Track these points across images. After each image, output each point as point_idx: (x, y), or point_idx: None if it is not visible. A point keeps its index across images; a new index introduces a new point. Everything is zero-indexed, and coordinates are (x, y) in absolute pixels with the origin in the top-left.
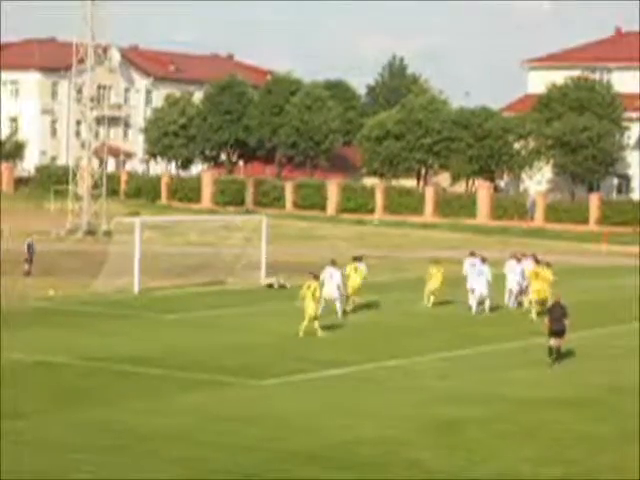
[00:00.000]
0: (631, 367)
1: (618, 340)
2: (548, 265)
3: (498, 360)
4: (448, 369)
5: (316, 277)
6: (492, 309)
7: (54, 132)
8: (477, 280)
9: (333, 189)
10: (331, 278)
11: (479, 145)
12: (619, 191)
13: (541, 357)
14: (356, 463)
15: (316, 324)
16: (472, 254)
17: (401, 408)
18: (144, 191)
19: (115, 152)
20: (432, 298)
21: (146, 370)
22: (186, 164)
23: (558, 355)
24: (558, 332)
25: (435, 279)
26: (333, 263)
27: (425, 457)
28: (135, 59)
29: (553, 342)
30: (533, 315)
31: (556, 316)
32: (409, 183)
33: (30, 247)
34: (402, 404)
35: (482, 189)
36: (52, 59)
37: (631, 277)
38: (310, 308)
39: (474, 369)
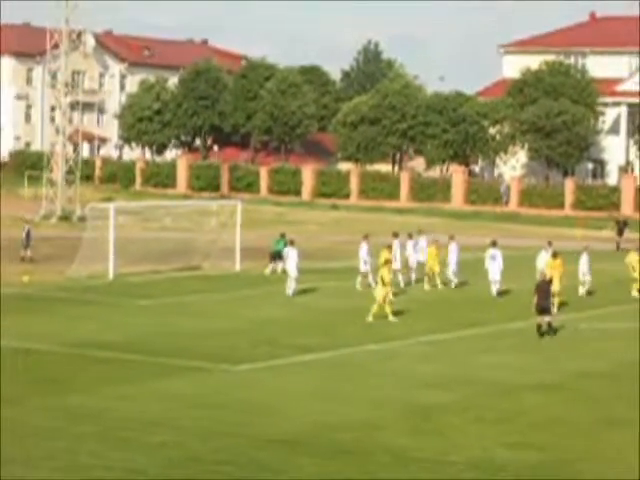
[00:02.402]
0: (609, 351)
1: (597, 324)
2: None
3: (480, 344)
4: (429, 353)
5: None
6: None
7: (28, 118)
8: (490, 265)
9: (308, 174)
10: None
11: (454, 130)
12: (594, 176)
13: (521, 341)
14: (332, 448)
15: (387, 308)
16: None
17: (379, 392)
18: (119, 177)
19: (89, 137)
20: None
21: (121, 356)
22: (161, 149)
23: (550, 329)
24: (545, 309)
25: (435, 259)
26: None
27: (402, 442)
28: (109, 44)
29: (540, 319)
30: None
31: (543, 294)
32: (384, 168)
33: (28, 234)
34: (381, 388)
35: (457, 174)
36: (26, 44)
37: (606, 262)
38: (379, 293)
39: (455, 353)
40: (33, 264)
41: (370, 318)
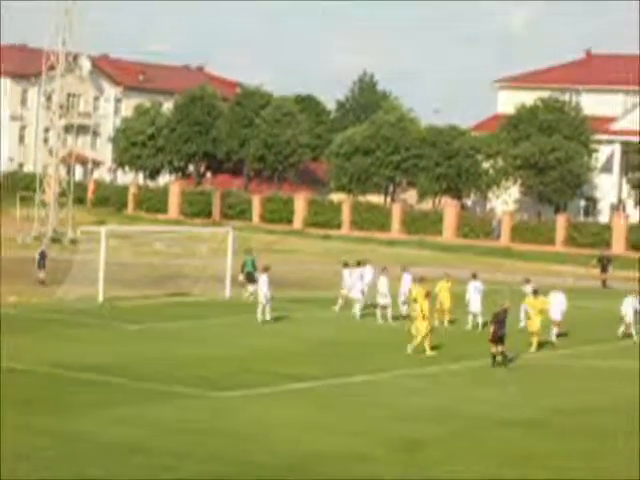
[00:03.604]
0: (593, 388)
1: (581, 361)
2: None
3: (466, 378)
4: (414, 386)
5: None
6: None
7: (22, 139)
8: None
9: (300, 203)
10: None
11: (447, 163)
12: (586, 213)
13: (503, 376)
14: (312, 478)
15: (426, 342)
16: (405, 269)
17: (366, 424)
18: (111, 200)
19: (83, 160)
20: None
21: (108, 379)
22: (154, 174)
23: (505, 359)
24: (501, 338)
25: (446, 295)
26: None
27: (388, 474)
28: (105, 68)
29: (495, 349)
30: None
31: (500, 323)
32: (376, 199)
33: (43, 254)
34: (367, 420)
35: (449, 207)
36: (22, 65)
37: (595, 299)
38: (420, 326)
39: (442, 386)
40: (44, 286)
41: (409, 350)
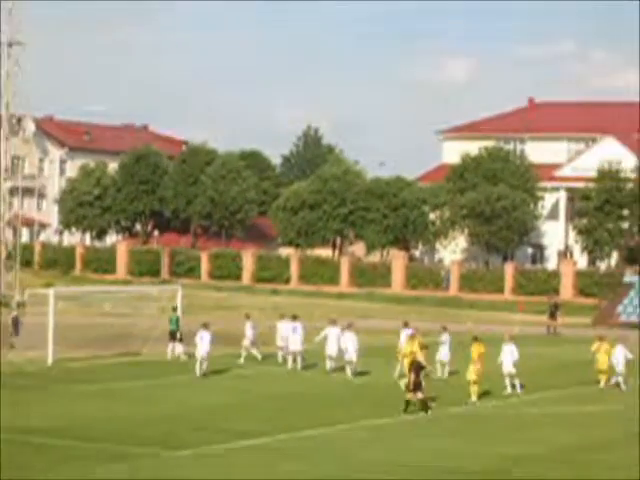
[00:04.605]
0: (542, 436)
1: (530, 408)
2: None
3: (419, 429)
4: (366, 438)
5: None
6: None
7: None
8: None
9: (248, 259)
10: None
11: (394, 215)
12: (533, 261)
13: (458, 426)
14: None
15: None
16: (406, 324)
17: (318, 478)
18: (58, 262)
19: (29, 223)
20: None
21: (59, 442)
22: (101, 234)
23: (424, 407)
24: (418, 386)
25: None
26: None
27: None
28: (50, 129)
29: (411, 396)
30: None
31: (416, 371)
32: (325, 253)
33: (15, 320)
34: (319, 474)
35: (397, 259)
36: None
37: (545, 346)
38: (471, 372)
39: (394, 438)
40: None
41: (474, 398)
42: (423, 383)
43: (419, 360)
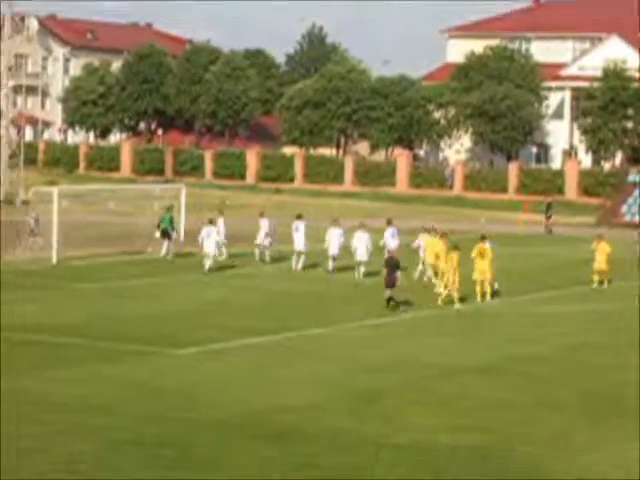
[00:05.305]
0: (549, 334)
1: (538, 307)
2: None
3: (421, 327)
4: (371, 336)
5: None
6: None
7: None
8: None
9: (252, 158)
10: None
11: (398, 114)
12: (538, 160)
13: (463, 324)
14: (272, 431)
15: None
16: (389, 222)
17: (322, 376)
18: (62, 160)
19: (33, 121)
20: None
21: (63, 339)
22: (105, 133)
23: (394, 302)
24: (393, 283)
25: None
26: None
27: (344, 426)
28: (53, 28)
29: (389, 292)
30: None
31: (391, 269)
32: (329, 152)
33: (37, 221)
34: (323, 372)
35: (401, 158)
36: None
37: (549, 245)
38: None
39: (397, 337)
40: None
41: (458, 306)
42: (398, 282)
43: (396, 258)
